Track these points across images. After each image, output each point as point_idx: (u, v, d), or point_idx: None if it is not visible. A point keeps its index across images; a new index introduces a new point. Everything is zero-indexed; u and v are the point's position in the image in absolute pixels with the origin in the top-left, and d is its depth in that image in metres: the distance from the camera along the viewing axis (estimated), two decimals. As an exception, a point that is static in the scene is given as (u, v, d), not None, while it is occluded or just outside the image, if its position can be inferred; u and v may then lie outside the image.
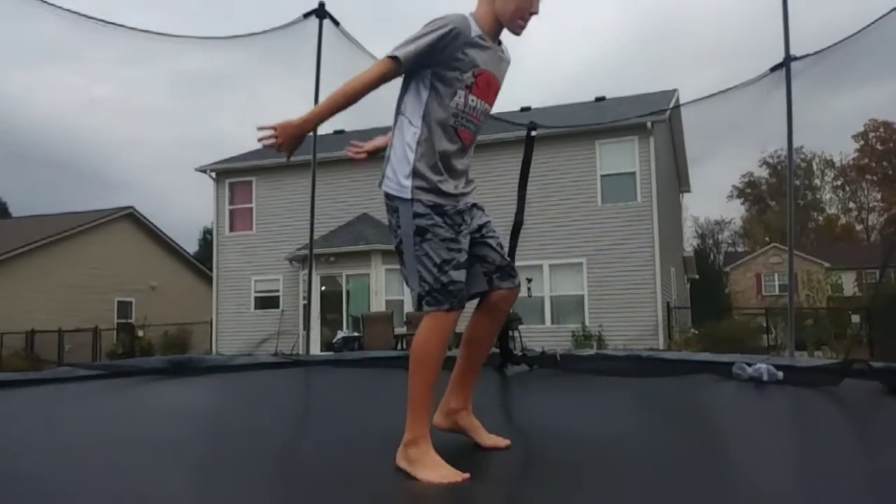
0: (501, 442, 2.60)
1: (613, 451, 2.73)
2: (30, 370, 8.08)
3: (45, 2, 6.05)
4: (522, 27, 2.42)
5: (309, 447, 3.04)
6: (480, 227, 2.47)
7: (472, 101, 2.37)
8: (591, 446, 2.82)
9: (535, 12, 2.41)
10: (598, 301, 18.25)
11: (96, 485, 2.36)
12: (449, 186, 2.36)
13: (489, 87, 2.41)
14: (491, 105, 2.46)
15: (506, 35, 2.47)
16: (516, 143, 12.41)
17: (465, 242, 2.36)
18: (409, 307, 18.12)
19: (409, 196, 2.32)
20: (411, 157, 2.34)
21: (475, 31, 2.33)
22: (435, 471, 2.19)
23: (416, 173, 2.33)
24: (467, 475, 2.17)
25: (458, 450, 2.51)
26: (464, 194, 2.43)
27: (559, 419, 3.52)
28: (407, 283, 2.42)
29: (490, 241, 2.49)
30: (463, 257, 2.33)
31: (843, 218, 55.72)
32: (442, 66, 2.31)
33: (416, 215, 2.31)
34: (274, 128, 2.30)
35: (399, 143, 2.39)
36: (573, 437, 3.03)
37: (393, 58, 2.27)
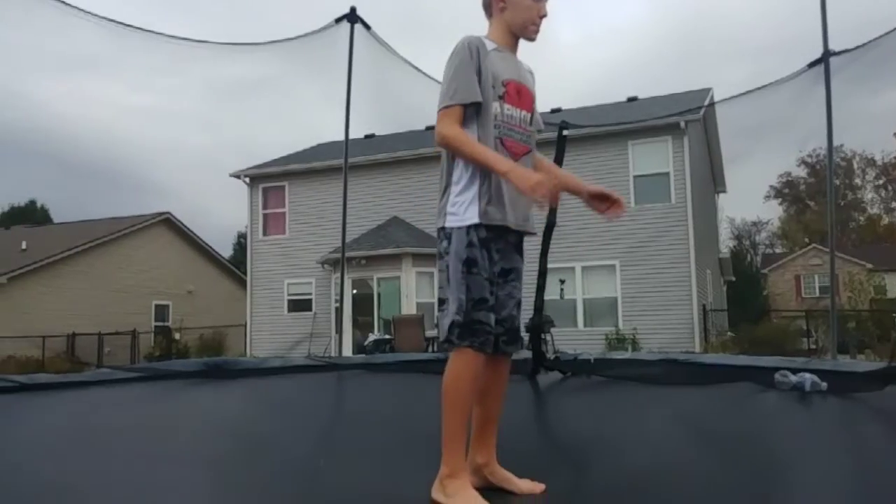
0: (537, 487, 2.49)
1: (658, 475, 2.64)
2: (71, 372, 8.19)
3: (84, 10, 6.13)
4: (536, 31, 2.49)
5: (343, 453, 3.01)
6: (508, 271, 2.43)
7: (508, 109, 2.39)
8: (632, 470, 2.74)
9: (544, 15, 2.48)
10: (632, 303, 18.04)
11: (134, 484, 2.35)
12: (506, 215, 2.34)
13: (520, 95, 2.44)
14: (529, 111, 2.48)
15: (528, 46, 2.54)
16: (547, 143, 12.27)
17: (494, 288, 2.34)
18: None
19: (469, 223, 2.32)
20: (474, 182, 2.34)
21: (491, 45, 2.41)
22: None
23: (479, 198, 2.33)
24: None
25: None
26: (519, 231, 2.42)
27: (595, 439, 3.44)
28: (440, 309, 2.40)
29: (509, 297, 2.44)
30: (492, 301, 2.32)
31: (885, 218, 54.50)
32: (479, 83, 2.35)
33: (471, 244, 2.30)
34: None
35: (454, 171, 2.40)
36: (613, 461, 2.94)
37: (454, 106, 2.31)
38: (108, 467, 2.71)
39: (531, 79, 2.57)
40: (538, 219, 2.62)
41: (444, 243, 2.37)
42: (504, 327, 2.41)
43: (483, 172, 2.32)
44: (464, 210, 2.34)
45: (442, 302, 2.38)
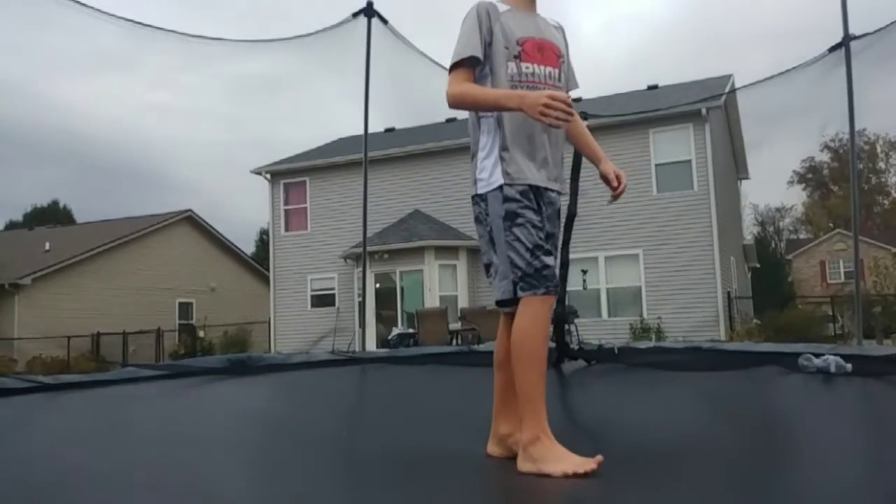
0: None
1: (686, 457, 2.64)
2: (97, 372, 8.29)
3: (103, 11, 6.19)
4: None
5: (371, 449, 3.03)
6: (548, 237, 2.38)
7: (527, 67, 2.36)
8: (661, 453, 2.74)
9: None
10: (656, 292, 17.95)
11: (159, 482, 2.39)
12: (536, 175, 2.33)
13: (542, 51, 2.40)
14: (555, 67, 2.43)
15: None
16: (568, 134, 12.24)
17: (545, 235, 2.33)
18: (463, 302, 18.11)
19: (498, 184, 2.31)
20: (494, 145, 2.35)
21: (503, 7, 2.40)
22: (566, 462, 2.09)
23: (502, 159, 2.32)
24: (600, 458, 2.07)
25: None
26: (550, 190, 2.39)
27: (623, 424, 3.44)
28: (488, 275, 2.39)
29: None
30: (547, 245, 2.29)
31: (910, 201, 53.75)
32: (491, 45, 2.35)
33: (507, 199, 2.29)
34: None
35: (481, 138, 2.41)
36: (640, 443, 2.94)
37: (459, 67, 2.33)
38: (135, 459, 2.75)
39: (559, 34, 2.53)
40: (561, 211, 2.61)
41: (482, 206, 2.37)
42: None
43: (500, 134, 2.33)
44: (489, 174, 2.35)
45: (488, 267, 2.37)
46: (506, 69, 2.34)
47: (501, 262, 2.30)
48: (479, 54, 2.33)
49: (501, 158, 2.33)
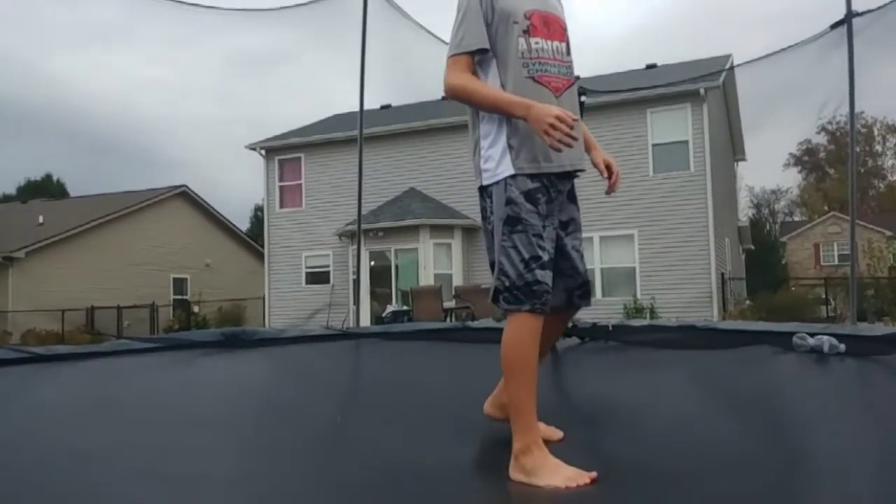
0: (554, 434, 2.42)
1: (679, 437, 2.64)
2: (91, 344, 8.29)
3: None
4: None
5: (363, 421, 3.03)
6: (566, 223, 2.27)
7: (536, 42, 2.19)
8: (653, 432, 2.74)
9: None
10: (650, 273, 17.98)
11: (151, 448, 2.39)
12: (541, 160, 2.14)
13: (548, 24, 2.23)
14: (562, 41, 2.27)
15: None
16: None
17: (549, 242, 2.15)
18: (457, 281, 18.12)
19: (504, 176, 2.14)
20: (501, 132, 2.17)
21: None
22: (559, 475, 1.98)
23: (511, 147, 2.15)
24: (594, 474, 1.97)
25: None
26: (567, 175, 2.22)
27: (616, 401, 3.44)
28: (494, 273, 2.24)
29: (574, 250, 2.29)
30: (547, 256, 2.12)
31: (905, 185, 53.80)
32: (492, 25, 2.18)
33: (509, 201, 2.12)
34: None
35: (482, 125, 2.24)
36: (634, 422, 2.94)
37: (462, 54, 2.18)
38: (125, 433, 2.75)
39: (559, 6, 2.35)
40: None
41: (487, 201, 2.21)
42: (578, 281, 2.30)
43: (507, 120, 2.15)
44: (496, 164, 2.17)
45: (493, 265, 2.22)
46: (516, 46, 2.17)
47: (496, 265, 2.17)
48: (486, 44, 2.16)
49: (510, 147, 2.15)
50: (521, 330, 2.11)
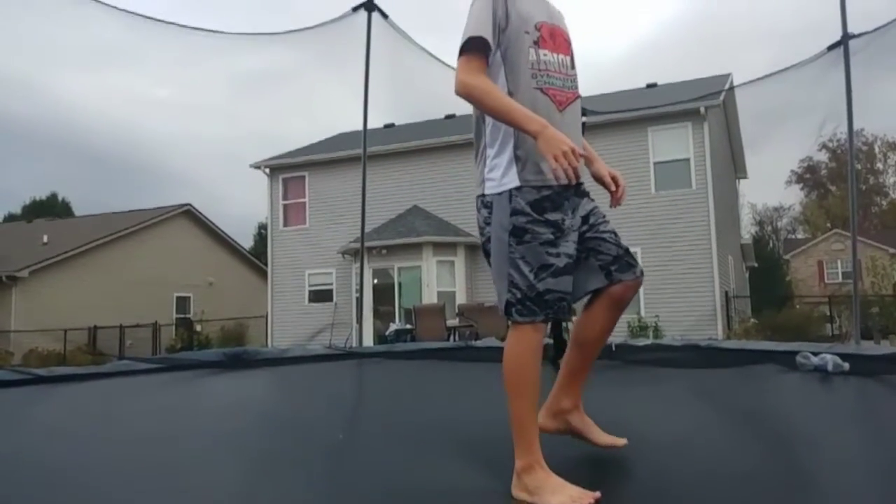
0: (619, 441, 2.36)
1: (683, 457, 2.64)
2: (92, 365, 8.27)
3: (105, 3, 6.17)
4: None
5: (366, 441, 3.03)
6: (586, 217, 2.23)
7: (544, 54, 2.16)
8: (657, 451, 2.73)
9: None
10: (654, 291, 17.93)
11: (152, 475, 2.38)
12: (547, 173, 2.08)
13: (554, 37, 2.22)
14: (567, 55, 2.25)
15: None
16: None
17: (567, 246, 2.11)
18: (460, 299, 18.10)
19: (508, 187, 2.10)
20: (507, 141, 2.13)
21: None
22: (562, 494, 1.95)
23: (517, 158, 2.10)
24: (598, 494, 1.94)
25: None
26: (573, 184, 2.13)
27: (619, 421, 3.44)
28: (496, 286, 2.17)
29: (601, 230, 2.25)
30: (563, 262, 2.07)
31: (907, 202, 53.75)
32: (506, 31, 2.14)
33: (515, 212, 2.07)
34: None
35: (488, 131, 2.19)
36: (637, 441, 2.93)
37: (474, 53, 2.11)
38: (128, 455, 2.75)
39: (563, 19, 2.33)
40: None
41: (484, 212, 2.16)
42: (610, 256, 2.23)
43: (515, 129, 2.09)
44: (501, 174, 2.12)
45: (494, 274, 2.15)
46: (527, 55, 2.13)
47: (499, 279, 2.12)
48: (490, 39, 2.10)
49: (517, 157, 2.10)
50: (521, 345, 2.08)
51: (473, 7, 2.17)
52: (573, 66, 2.27)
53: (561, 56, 2.22)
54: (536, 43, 2.16)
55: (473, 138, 2.27)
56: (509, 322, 2.13)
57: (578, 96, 2.28)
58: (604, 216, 2.30)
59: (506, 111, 2.06)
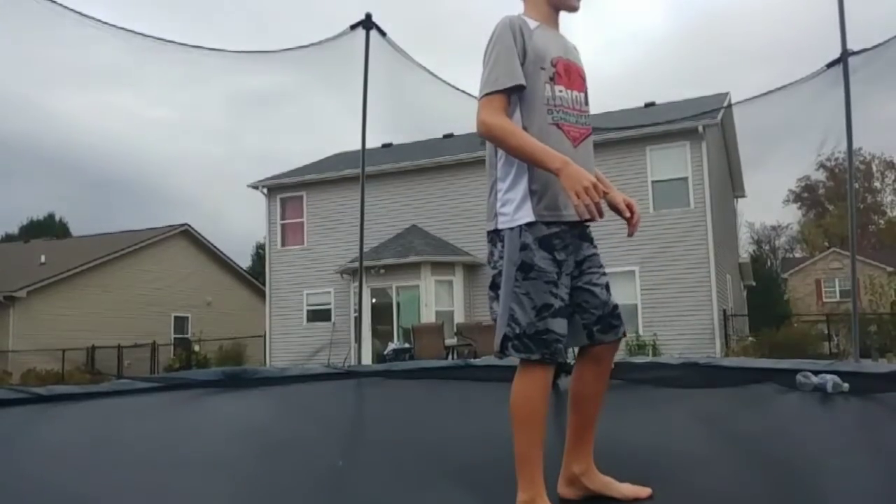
0: (642, 491, 2.31)
1: (682, 477, 2.62)
2: (91, 384, 8.24)
3: (104, 22, 6.19)
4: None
5: (365, 465, 3.01)
6: (580, 262, 2.22)
7: (560, 90, 2.17)
8: (656, 471, 2.72)
9: None
10: (652, 309, 17.92)
11: (151, 490, 2.36)
12: (562, 209, 2.11)
13: (569, 73, 2.22)
14: (581, 91, 2.25)
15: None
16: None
17: (562, 289, 2.11)
18: (459, 318, 18.07)
19: (521, 222, 2.10)
20: (521, 176, 2.13)
21: (533, 23, 2.20)
22: None
23: (532, 192, 2.10)
24: None
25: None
26: (583, 223, 2.15)
27: (619, 441, 3.41)
28: (493, 320, 2.16)
29: (593, 282, 2.24)
30: (559, 304, 2.08)
31: (905, 221, 53.88)
32: (523, 66, 2.14)
33: (524, 247, 2.08)
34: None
35: (500, 165, 2.18)
36: (637, 464, 2.91)
37: (497, 93, 2.10)
38: (126, 474, 2.73)
39: (578, 55, 2.33)
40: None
41: (499, 247, 2.15)
42: (594, 315, 2.21)
43: (529, 165, 2.10)
44: (514, 209, 2.12)
45: (493, 310, 2.16)
46: (542, 91, 2.14)
47: (503, 312, 2.10)
48: (522, 80, 2.10)
49: (532, 192, 2.10)
50: (530, 384, 2.08)
51: (495, 44, 2.15)
52: (587, 103, 2.28)
53: (575, 93, 2.22)
54: (552, 79, 2.16)
55: (488, 169, 2.25)
56: (500, 356, 2.12)
57: (591, 133, 2.28)
58: (600, 266, 2.29)
59: (529, 151, 2.05)
